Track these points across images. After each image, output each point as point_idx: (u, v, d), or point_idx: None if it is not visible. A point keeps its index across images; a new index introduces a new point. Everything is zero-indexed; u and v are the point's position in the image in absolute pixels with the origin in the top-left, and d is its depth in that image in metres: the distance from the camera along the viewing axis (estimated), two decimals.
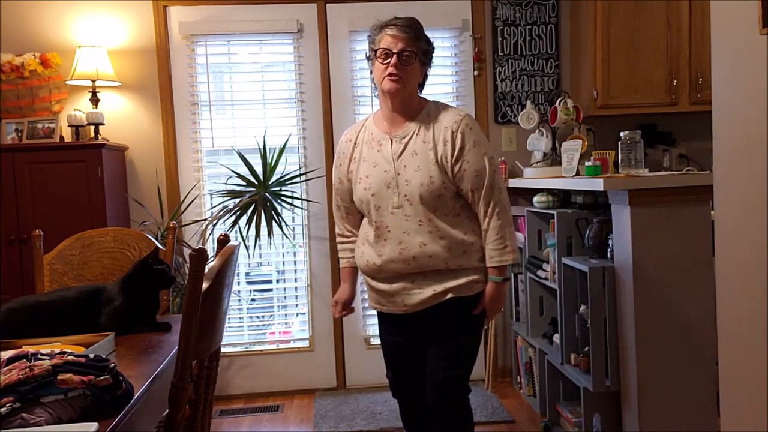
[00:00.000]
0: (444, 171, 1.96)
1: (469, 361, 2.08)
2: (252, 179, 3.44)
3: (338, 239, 2.22)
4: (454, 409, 2.07)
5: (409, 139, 1.99)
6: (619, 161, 2.63)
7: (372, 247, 2.03)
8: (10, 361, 1.26)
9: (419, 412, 2.22)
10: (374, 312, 2.27)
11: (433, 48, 2.07)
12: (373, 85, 2.10)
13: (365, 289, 2.24)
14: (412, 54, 1.96)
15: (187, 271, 3.10)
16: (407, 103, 2.02)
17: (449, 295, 2.00)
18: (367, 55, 2.08)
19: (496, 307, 2.04)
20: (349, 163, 2.09)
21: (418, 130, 2.00)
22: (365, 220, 2.12)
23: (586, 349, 2.62)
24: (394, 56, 1.95)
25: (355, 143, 2.09)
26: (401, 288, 2.02)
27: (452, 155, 1.95)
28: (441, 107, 2.06)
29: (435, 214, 1.96)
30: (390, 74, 1.95)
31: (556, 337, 2.97)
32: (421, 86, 2.09)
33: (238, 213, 3.42)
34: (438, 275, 2.00)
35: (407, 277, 2.01)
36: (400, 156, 1.99)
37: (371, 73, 2.09)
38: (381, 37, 1.98)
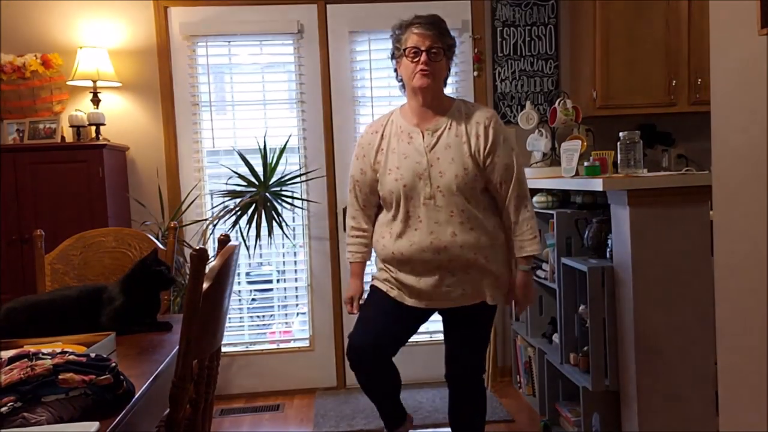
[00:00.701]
0: (477, 164, 2.03)
1: (487, 343, 2.24)
2: (252, 179, 3.44)
3: (353, 232, 2.22)
4: (475, 386, 2.24)
5: (442, 133, 2.05)
6: (618, 161, 2.63)
7: (398, 238, 2.05)
8: (12, 360, 1.26)
9: (385, 389, 2.28)
10: None
11: (455, 42, 2.13)
12: (400, 83, 2.15)
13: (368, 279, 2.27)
14: (440, 50, 2.04)
15: (187, 271, 3.11)
16: (437, 98, 2.09)
17: (478, 300, 2.11)
18: (392, 53, 2.13)
19: (529, 295, 2.16)
20: (376, 155, 2.12)
21: (450, 125, 2.06)
22: (382, 217, 2.15)
23: (585, 348, 2.63)
24: (423, 53, 2.01)
25: (382, 135, 2.12)
26: (431, 286, 2.07)
27: (485, 148, 2.04)
28: (470, 104, 2.15)
29: (466, 206, 2.02)
30: (421, 71, 2.01)
31: (556, 337, 2.97)
32: (445, 80, 2.14)
33: (238, 213, 3.43)
34: (467, 275, 2.06)
35: (437, 273, 2.05)
36: (432, 148, 2.04)
37: (396, 71, 2.14)
38: (407, 36, 2.04)
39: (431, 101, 2.08)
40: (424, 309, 2.13)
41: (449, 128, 2.06)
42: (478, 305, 2.12)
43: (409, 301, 2.11)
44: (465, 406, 2.28)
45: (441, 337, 2.30)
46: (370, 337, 2.12)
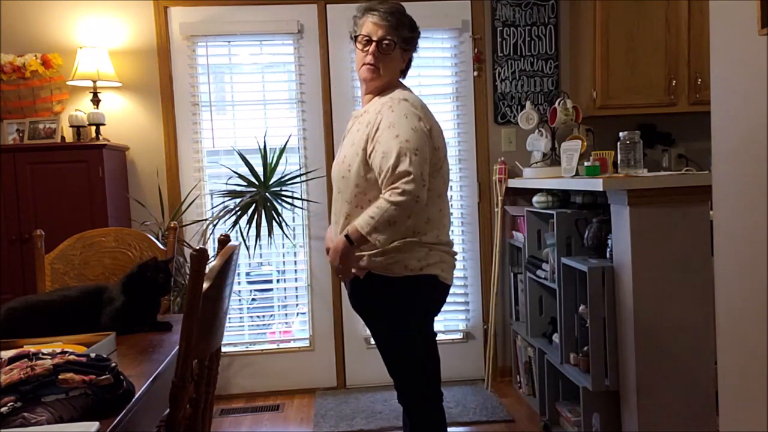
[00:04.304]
0: (356, 152, 1.91)
1: (410, 356, 2.03)
2: (252, 179, 3.45)
3: None
4: (417, 417, 2.08)
5: (360, 117, 2.01)
6: (619, 161, 2.63)
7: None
8: (12, 360, 1.26)
9: None
10: None
11: (418, 33, 2.02)
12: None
13: None
14: (392, 43, 1.94)
15: (187, 271, 3.11)
16: (382, 89, 2.00)
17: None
18: (351, 35, 2.06)
19: (333, 260, 1.94)
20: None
21: (368, 110, 1.98)
22: None
23: (585, 348, 2.63)
24: (374, 44, 1.93)
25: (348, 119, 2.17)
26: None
27: (371, 133, 1.89)
28: (399, 91, 1.97)
29: (347, 193, 1.94)
30: (367, 63, 1.95)
31: (556, 337, 2.97)
32: (405, 72, 2.07)
33: (238, 213, 3.43)
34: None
35: None
36: (349, 132, 2.03)
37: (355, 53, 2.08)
38: (363, 21, 1.97)
39: (372, 92, 2.01)
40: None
41: (365, 113, 1.98)
42: (371, 306, 2.00)
43: None
44: None
45: None
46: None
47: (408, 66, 2.08)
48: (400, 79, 2.07)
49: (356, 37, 1.98)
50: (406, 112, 1.88)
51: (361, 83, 2.05)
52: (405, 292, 1.94)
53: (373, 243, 1.84)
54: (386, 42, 1.93)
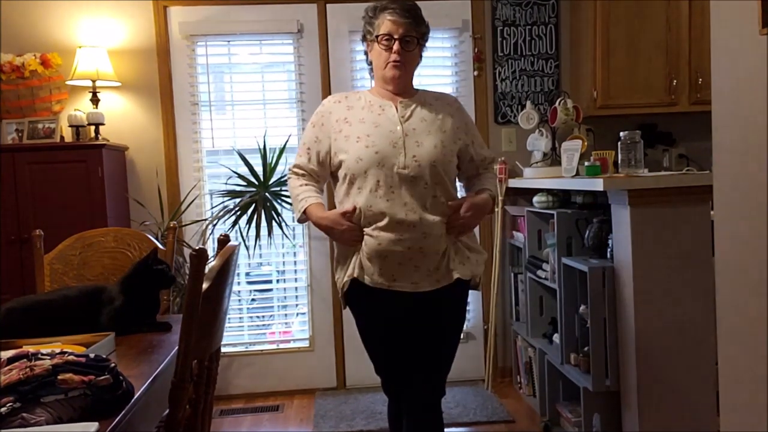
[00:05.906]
0: (452, 141, 2.00)
1: (455, 349, 2.09)
2: (252, 179, 3.44)
3: (302, 180, 2.07)
4: (436, 419, 2.02)
5: (415, 108, 2.01)
6: (619, 161, 2.63)
7: (368, 210, 1.91)
8: (11, 360, 1.26)
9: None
10: None
11: (429, 29, 2.06)
12: (369, 66, 2.09)
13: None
14: (414, 39, 1.97)
15: (187, 271, 3.10)
16: (407, 86, 2.06)
17: (449, 281, 1.97)
18: (363, 36, 2.06)
19: (476, 217, 2.00)
20: (337, 123, 2.01)
21: (422, 103, 2.03)
22: (360, 200, 1.93)
23: (585, 349, 2.63)
24: (397, 42, 1.95)
25: (348, 107, 2.04)
26: (398, 263, 1.93)
27: (463, 127, 2.07)
28: (430, 90, 2.15)
29: (440, 179, 1.94)
30: (394, 61, 1.96)
31: (556, 337, 2.97)
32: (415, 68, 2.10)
33: (238, 213, 3.43)
34: (437, 251, 1.94)
35: (406, 248, 1.91)
36: (407, 120, 1.98)
37: (366, 54, 2.08)
38: (381, 21, 1.97)
39: (401, 90, 2.03)
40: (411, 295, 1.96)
41: (422, 105, 2.01)
42: (451, 288, 1.96)
43: (394, 285, 1.94)
44: None
45: None
46: (384, 365, 2.10)
47: (419, 61, 2.10)
48: None
49: (377, 37, 1.97)
50: None
51: (385, 83, 2.03)
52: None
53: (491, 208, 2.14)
54: (408, 39, 1.96)
